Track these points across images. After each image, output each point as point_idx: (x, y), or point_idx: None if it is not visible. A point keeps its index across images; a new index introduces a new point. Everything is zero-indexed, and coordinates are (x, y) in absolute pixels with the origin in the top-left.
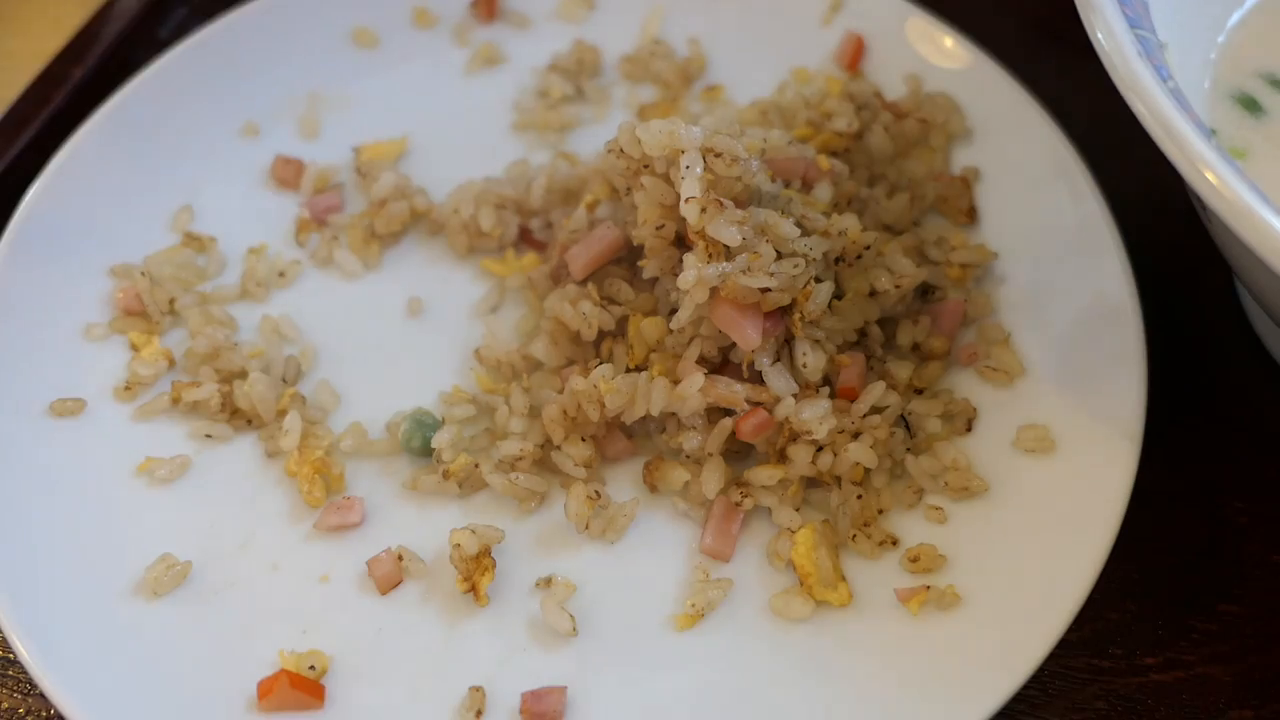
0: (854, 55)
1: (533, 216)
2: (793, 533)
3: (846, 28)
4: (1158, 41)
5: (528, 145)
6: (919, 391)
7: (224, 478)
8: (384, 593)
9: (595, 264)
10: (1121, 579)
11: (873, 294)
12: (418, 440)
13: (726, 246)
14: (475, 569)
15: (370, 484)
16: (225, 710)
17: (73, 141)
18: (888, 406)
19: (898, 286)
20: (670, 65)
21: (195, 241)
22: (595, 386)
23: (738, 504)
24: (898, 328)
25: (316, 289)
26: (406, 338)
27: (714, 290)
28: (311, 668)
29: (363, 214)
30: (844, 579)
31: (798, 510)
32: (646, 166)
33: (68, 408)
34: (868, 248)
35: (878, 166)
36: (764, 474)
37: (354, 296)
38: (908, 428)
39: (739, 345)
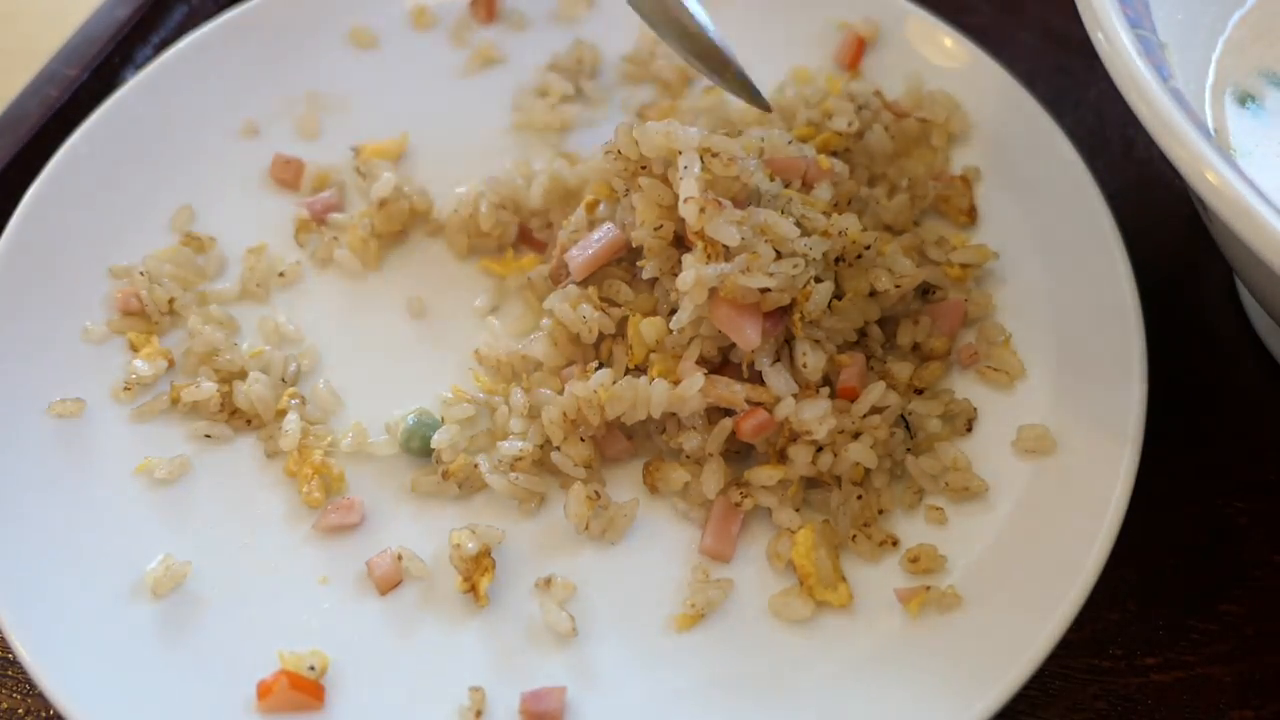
0: (854, 55)
1: (533, 216)
2: (793, 533)
3: (846, 26)
4: (1158, 41)
5: (527, 145)
6: (919, 391)
7: (224, 478)
8: (384, 593)
9: (595, 265)
10: (1122, 579)
11: (873, 294)
12: (417, 441)
13: (726, 246)
14: (475, 569)
15: (370, 484)
16: (225, 710)
17: (73, 141)
18: (888, 406)
19: (898, 286)
20: (670, 65)
21: (195, 241)
22: (595, 392)
23: (738, 504)
24: (898, 328)
25: (316, 289)
26: (406, 338)
27: (713, 290)
28: (311, 668)
29: (363, 214)
30: (844, 579)
31: (798, 510)
32: (644, 168)
33: (67, 408)
34: (868, 247)
35: (878, 166)
36: (764, 474)
37: (354, 296)
38: (908, 428)
39: (739, 345)
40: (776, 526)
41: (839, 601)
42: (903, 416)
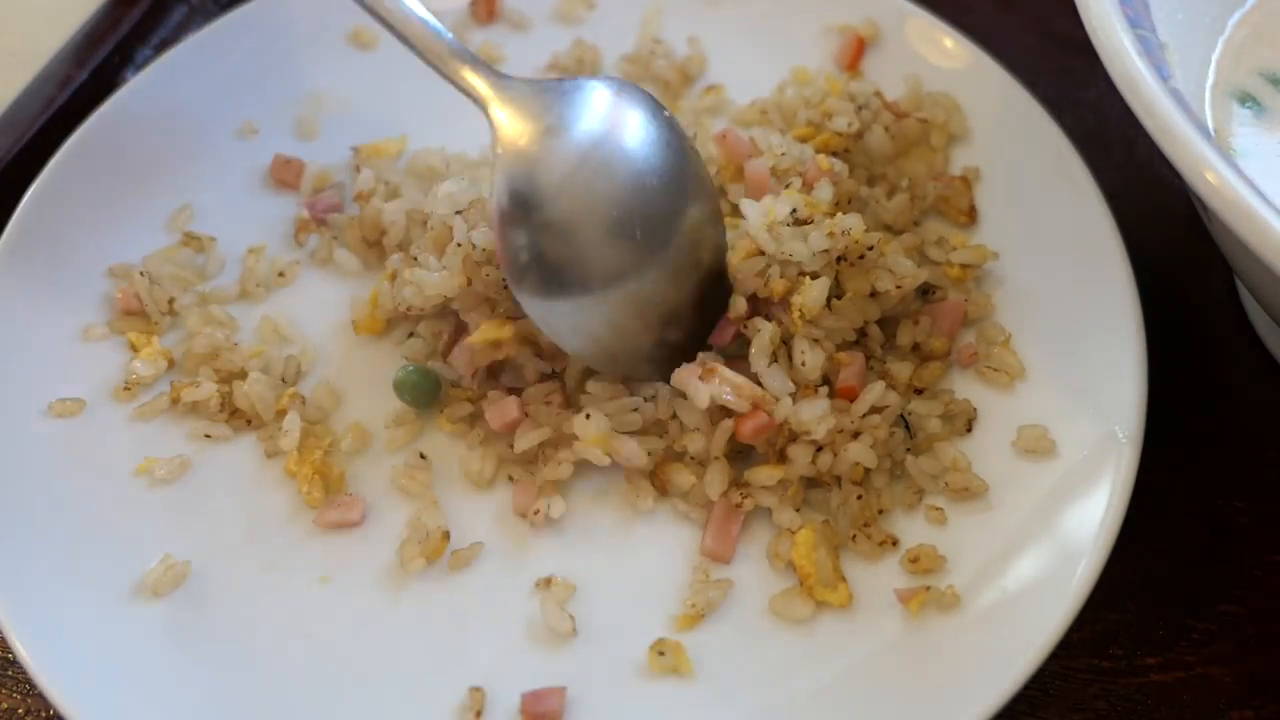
0: (854, 55)
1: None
2: (793, 533)
3: (846, 28)
4: (1158, 41)
5: None
6: (919, 392)
7: (224, 478)
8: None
9: (477, 364)
10: (1121, 579)
11: (874, 294)
12: (409, 393)
13: None
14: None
15: (370, 484)
16: (225, 711)
17: (72, 141)
18: (887, 406)
19: (899, 287)
20: (670, 65)
21: (194, 241)
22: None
23: (738, 505)
24: (898, 328)
25: (317, 289)
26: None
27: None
28: None
29: (362, 214)
30: (844, 579)
31: (798, 510)
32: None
33: (67, 408)
34: (870, 248)
35: (878, 166)
36: (764, 474)
37: (354, 296)
38: (908, 428)
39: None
40: (777, 527)
41: (839, 601)
42: (902, 416)
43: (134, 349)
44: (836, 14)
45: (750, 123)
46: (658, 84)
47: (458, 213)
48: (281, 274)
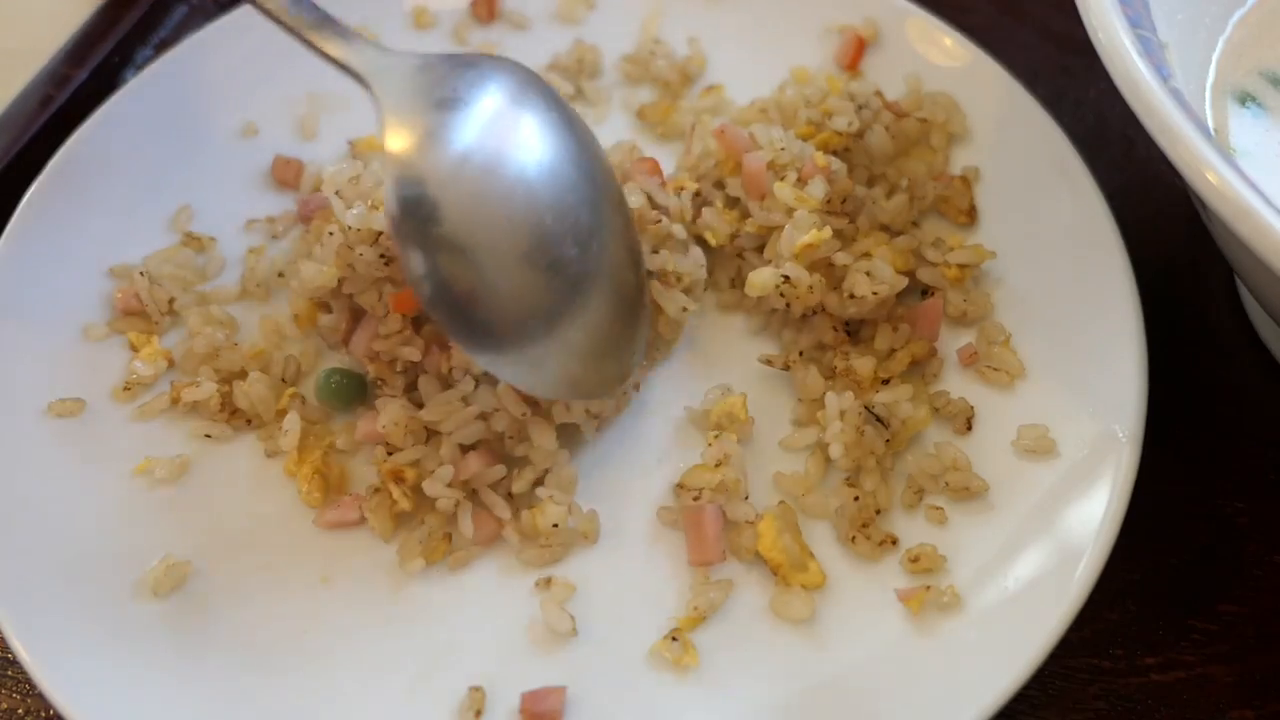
0: (854, 55)
1: None
2: (753, 524)
3: (846, 28)
4: (1158, 41)
5: None
6: (886, 382)
7: (224, 478)
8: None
9: (370, 342)
10: (1121, 579)
11: (852, 297)
12: (325, 393)
13: None
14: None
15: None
16: (224, 710)
17: (72, 141)
18: (845, 410)
19: (875, 293)
20: (670, 65)
21: (194, 241)
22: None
23: (696, 499)
24: (876, 332)
25: None
26: None
27: None
28: None
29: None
30: (812, 556)
31: (746, 499)
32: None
33: (67, 408)
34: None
35: (877, 166)
36: (699, 477)
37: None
38: (880, 421)
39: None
40: (734, 521)
41: (811, 582)
42: (870, 411)
43: (134, 349)
44: (836, 14)
45: (750, 123)
46: (658, 84)
47: (336, 193)
48: (281, 274)
